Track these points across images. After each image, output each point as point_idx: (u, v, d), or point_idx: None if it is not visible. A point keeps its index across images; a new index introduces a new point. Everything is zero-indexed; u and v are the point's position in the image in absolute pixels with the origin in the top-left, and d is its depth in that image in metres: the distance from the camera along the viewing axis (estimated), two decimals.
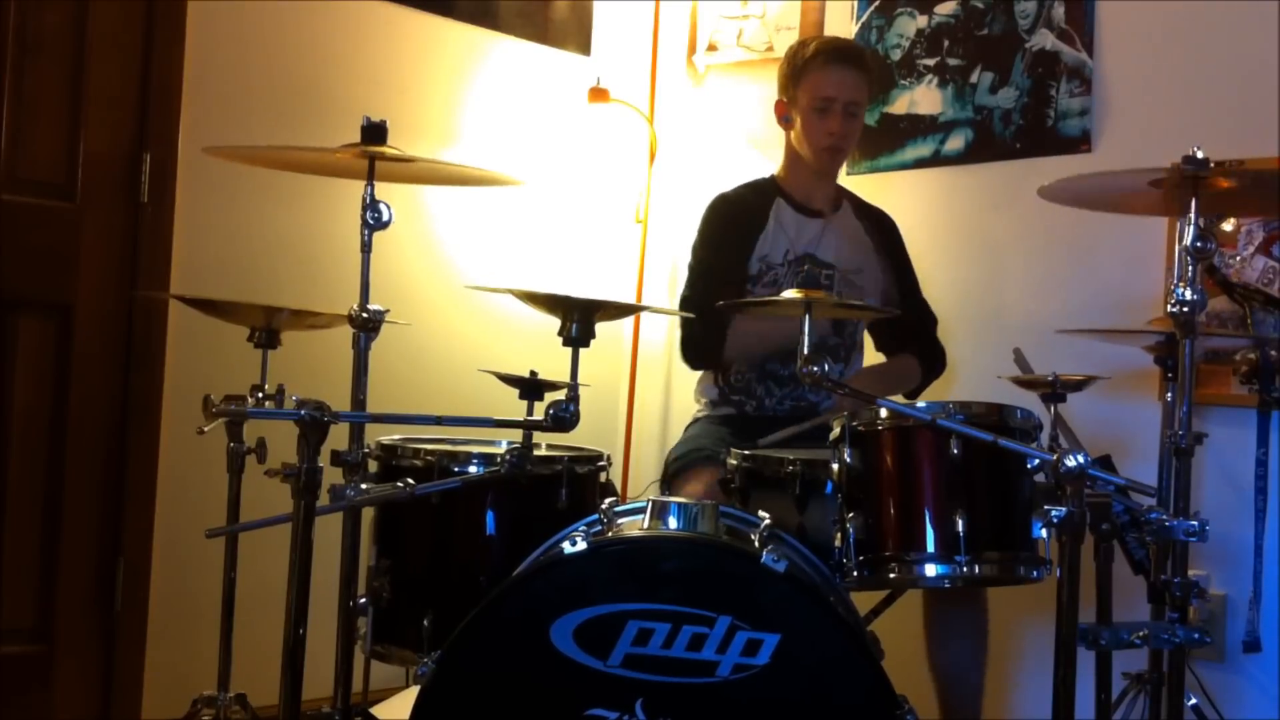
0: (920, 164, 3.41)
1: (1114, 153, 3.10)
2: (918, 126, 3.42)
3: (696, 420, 2.96)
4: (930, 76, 3.40)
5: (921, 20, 3.43)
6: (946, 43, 3.38)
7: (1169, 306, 1.96)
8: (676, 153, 3.90)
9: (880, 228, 2.97)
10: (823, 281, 2.83)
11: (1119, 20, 3.11)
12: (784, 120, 2.89)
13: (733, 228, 2.88)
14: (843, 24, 3.56)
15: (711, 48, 3.88)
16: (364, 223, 2.02)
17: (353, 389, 2.06)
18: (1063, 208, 2.55)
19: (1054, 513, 1.81)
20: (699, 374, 2.99)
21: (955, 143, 3.35)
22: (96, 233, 2.87)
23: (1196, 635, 1.96)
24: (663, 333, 3.91)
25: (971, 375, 3.15)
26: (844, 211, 2.94)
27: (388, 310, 2.06)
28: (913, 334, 2.93)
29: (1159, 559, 2.14)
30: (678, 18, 3.95)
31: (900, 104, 3.45)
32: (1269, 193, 2.16)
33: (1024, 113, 3.23)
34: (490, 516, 2.24)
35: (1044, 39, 3.20)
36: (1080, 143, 3.13)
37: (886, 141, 3.44)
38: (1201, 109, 2.97)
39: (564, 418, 1.99)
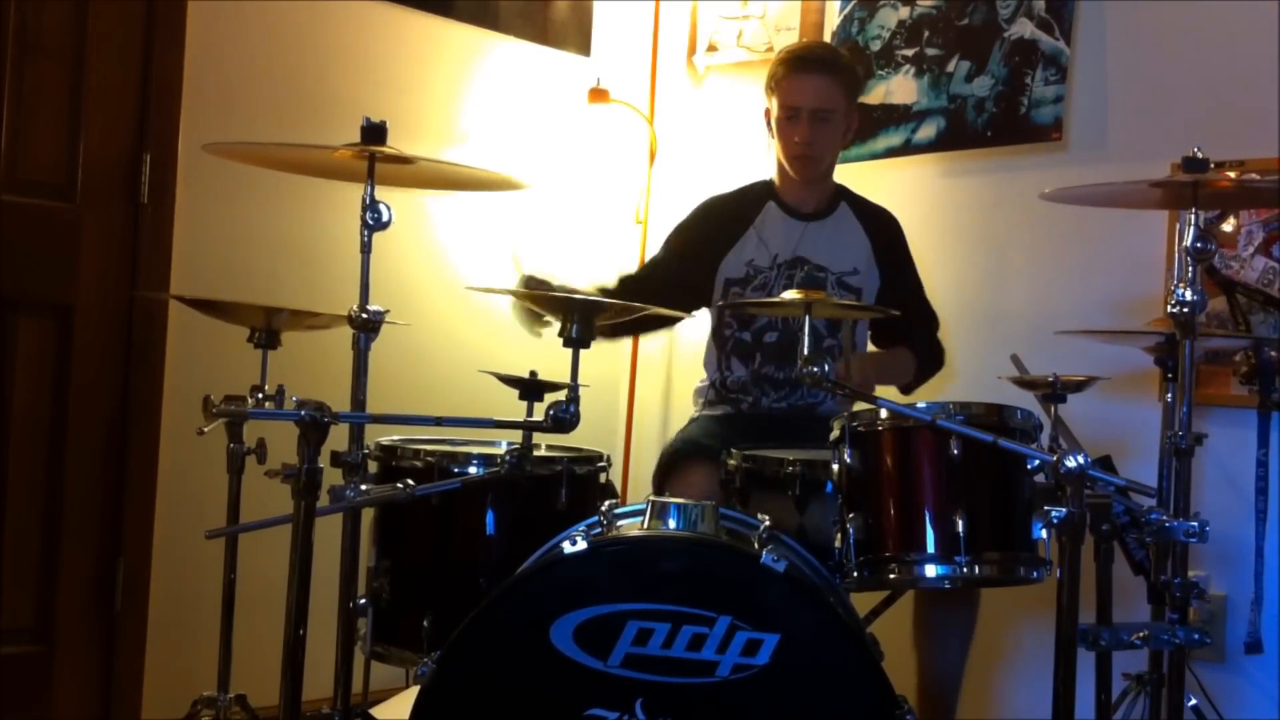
0: (891, 153, 3.40)
1: (1085, 142, 3.10)
2: (891, 116, 3.42)
3: (693, 420, 2.96)
4: (907, 67, 3.40)
5: (904, 11, 3.43)
6: (926, 33, 3.38)
7: (1169, 307, 1.96)
8: (676, 153, 3.90)
9: (881, 228, 2.96)
10: (811, 282, 2.84)
11: (1098, 8, 3.11)
12: (769, 127, 2.91)
13: (702, 236, 2.92)
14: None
15: (711, 48, 3.88)
16: (364, 223, 2.02)
17: (352, 390, 2.05)
18: (1059, 206, 2.56)
19: (1054, 513, 1.81)
20: (698, 379, 3.00)
21: (926, 131, 3.35)
22: (96, 233, 2.87)
23: (1196, 636, 1.96)
24: (662, 334, 3.91)
25: (971, 375, 3.15)
26: (840, 213, 2.94)
27: (387, 311, 2.05)
28: (910, 331, 2.93)
29: (1159, 559, 2.14)
30: (678, 18, 3.95)
31: (876, 94, 3.44)
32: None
33: (998, 100, 3.22)
34: (490, 517, 2.24)
35: (1023, 28, 3.19)
36: (1052, 131, 3.13)
37: (859, 131, 3.39)
38: (1180, 99, 2.98)
39: (564, 418, 1.99)
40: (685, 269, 2.90)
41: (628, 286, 2.84)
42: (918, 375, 2.93)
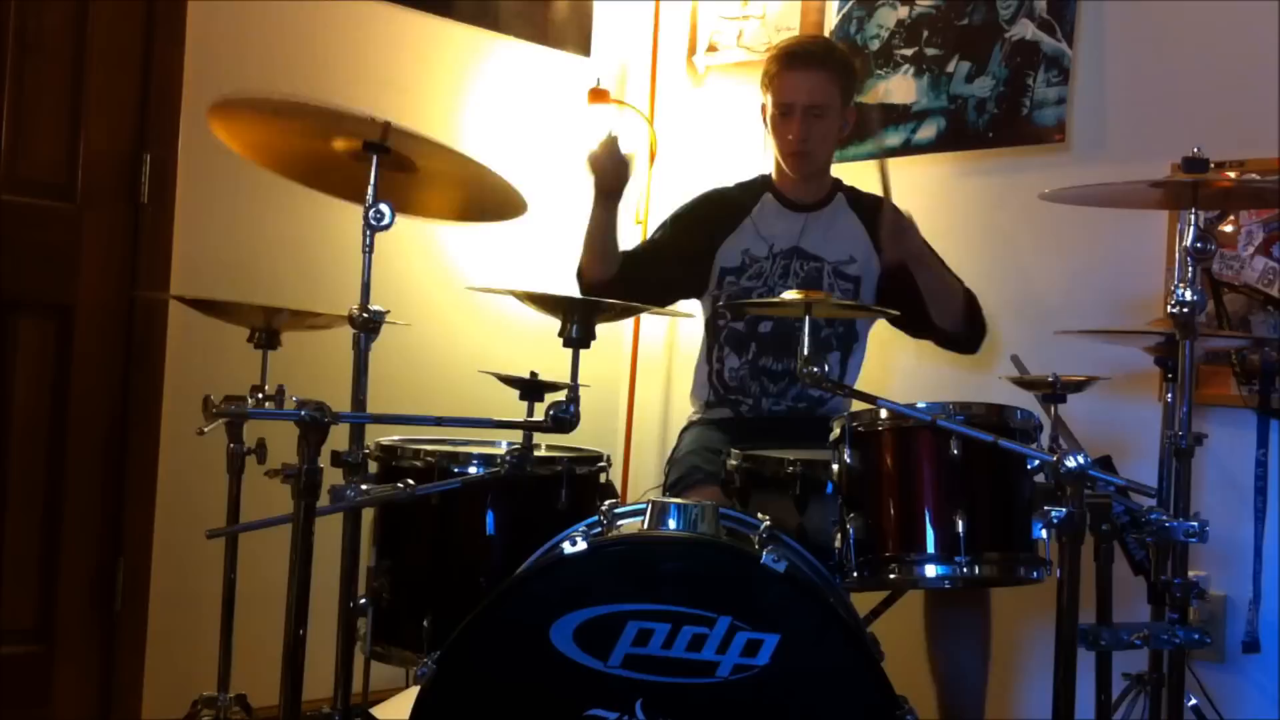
0: (890, 153, 3.39)
1: (1087, 143, 3.10)
2: (890, 116, 3.41)
3: (691, 425, 2.96)
4: (906, 66, 3.39)
5: (903, 11, 3.42)
6: (926, 33, 3.37)
7: (1169, 307, 1.96)
8: (676, 153, 3.90)
9: (877, 214, 2.96)
10: (807, 272, 2.84)
11: (1099, 9, 3.11)
12: (765, 124, 2.91)
13: (701, 221, 2.94)
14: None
15: (711, 48, 3.88)
16: (366, 224, 2.02)
17: (353, 390, 2.05)
18: (1060, 206, 2.55)
19: (1054, 513, 1.81)
20: (695, 375, 2.99)
21: (927, 131, 3.35)
22: (96, 233, 2.87)
23: (1196, 636, 1.96)
24: (663, 333, 3.92)
25: (971, 375, 3.15)
26: (836, 204, 2.94)
27: (388, 311, 2.05)
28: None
29: (1159, 560, 2.14)
30: (678, 18, 3.95)
31: (874, 94, 3.44)
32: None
33: (999, 101, 3.22)
34: (490, 517, 2.24)
35: (1024, 29, 3.19)
36: (1055, 132, 3.12)
37: (856, 131, 3.33)
38: (1180, 99, 2.98)
39: (564, 419, 1.99)
40: (683, 252, 2.91)
41: (626, 263, 2.83)
42: (965, 327, 2.80)
